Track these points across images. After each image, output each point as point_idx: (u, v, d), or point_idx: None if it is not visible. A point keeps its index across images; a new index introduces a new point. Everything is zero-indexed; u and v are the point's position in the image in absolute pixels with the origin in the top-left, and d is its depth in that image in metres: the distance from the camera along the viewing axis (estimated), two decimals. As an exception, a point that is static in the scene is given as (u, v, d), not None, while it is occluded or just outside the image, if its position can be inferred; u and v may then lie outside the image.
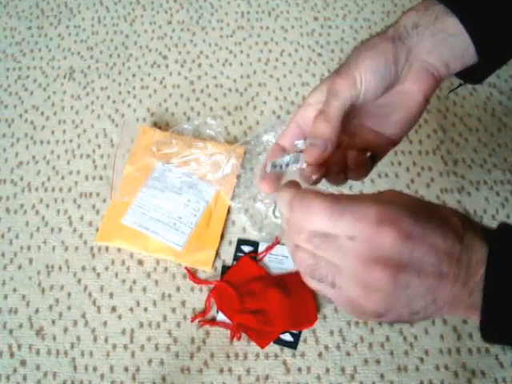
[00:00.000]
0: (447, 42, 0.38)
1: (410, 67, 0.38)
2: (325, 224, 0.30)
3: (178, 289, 0.60)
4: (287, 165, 0.37)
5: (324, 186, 0.62)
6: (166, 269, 0.61)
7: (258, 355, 0.56)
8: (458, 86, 0.45)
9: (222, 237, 0.63)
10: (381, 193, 0.32)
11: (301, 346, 0.56)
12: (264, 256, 0.61)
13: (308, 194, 0.31)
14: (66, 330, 0.58)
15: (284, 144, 0.40)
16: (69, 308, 0.59)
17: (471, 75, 0.42)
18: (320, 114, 0.37)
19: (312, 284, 0.32)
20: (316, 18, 0.84)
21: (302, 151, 0.37)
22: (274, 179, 0.38)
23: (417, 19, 0.38)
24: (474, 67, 0.40)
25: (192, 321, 0.58)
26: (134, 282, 0.60)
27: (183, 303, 0.59)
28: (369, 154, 0.42)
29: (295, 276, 0.59)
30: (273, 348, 0.56)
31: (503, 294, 0.29)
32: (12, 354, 0.56)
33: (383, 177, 0.67)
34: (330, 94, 0.37)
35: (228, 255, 0.62)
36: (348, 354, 0.56)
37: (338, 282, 0.30)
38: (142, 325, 0.58)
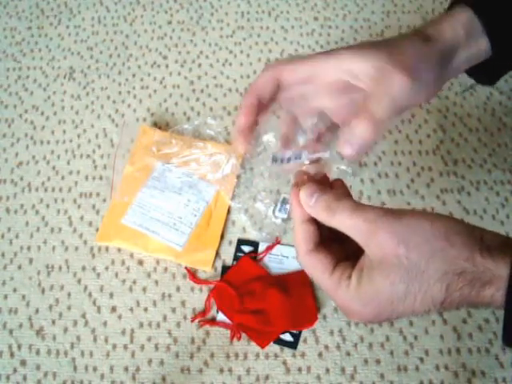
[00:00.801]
0: (472, 59, 0.39)
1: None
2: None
3: (178, 289, 0.60)
4: (289, 159, 0.38)
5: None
6: (165, 269, 0.61)
7: (258, 355, 0.56)
8: (470, 87, 0.45)
9: (222, 237, 0.63)
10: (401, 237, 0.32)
11: (301, 346, 0.56)
12: (264, 256, 0.61)
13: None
14: (65, 330, 0.58)
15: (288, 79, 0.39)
16: (69, 308, 0.59)
17: (485, 76, 0.42)
18: (370, 116, 0.34)
19: None
20: (316, 18, 0.84)
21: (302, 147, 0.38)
22: (248, 136, 0.39)
23: (458, 35, 0.38)
24: (489, 70, 0.40)
25: (192, 321, 0.58)
26: (134, 282, 0.60)
27: (183, 303, 0.59)
28: None
29: (295, 276, 0.60)
30: (273, 348, 0.56)
31: None
32: (12, 354, 0.56)
33: (383, 177, 0.67)
34: (389, 97, 0.34)
35: (228, 255, 0.62)
36: (348, 353, 0.56)
37: None
38: (141, 325, 0.58)
